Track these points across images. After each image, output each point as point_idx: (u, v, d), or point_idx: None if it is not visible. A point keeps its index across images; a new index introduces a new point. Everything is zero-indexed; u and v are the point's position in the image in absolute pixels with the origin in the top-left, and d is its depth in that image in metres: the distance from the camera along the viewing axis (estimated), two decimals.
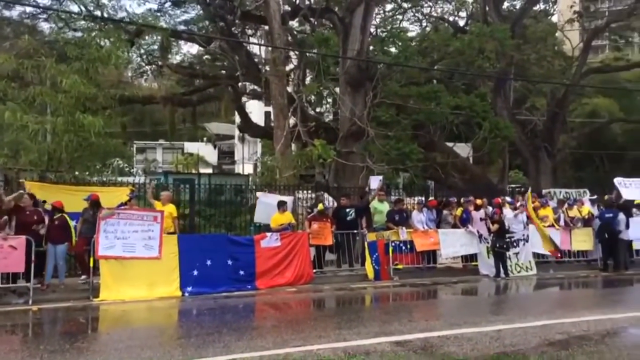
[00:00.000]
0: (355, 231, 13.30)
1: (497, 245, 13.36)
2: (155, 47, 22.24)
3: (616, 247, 14.61)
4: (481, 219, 13.89)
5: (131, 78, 26.35)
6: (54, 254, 10.65)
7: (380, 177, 15.23)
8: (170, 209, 11.91)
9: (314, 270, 12.37)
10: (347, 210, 13.52)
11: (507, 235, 13.68)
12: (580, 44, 26.57)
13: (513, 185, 29.82)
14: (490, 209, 14.44)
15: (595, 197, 16.88)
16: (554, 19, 33.61)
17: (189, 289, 10.69)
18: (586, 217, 15.41)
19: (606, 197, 15.98)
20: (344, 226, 13.25)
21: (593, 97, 33.71)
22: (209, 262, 11.03)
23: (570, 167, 35.93)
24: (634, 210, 16.10)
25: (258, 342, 7.10)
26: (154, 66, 23.75)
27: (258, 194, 13.98)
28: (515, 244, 13.84)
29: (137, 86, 28.12)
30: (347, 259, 13.23)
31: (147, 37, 21.17)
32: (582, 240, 15.16)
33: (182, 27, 22.60)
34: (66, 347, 6.85)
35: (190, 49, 47.37)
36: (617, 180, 16.80)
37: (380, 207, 13.89)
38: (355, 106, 18.09)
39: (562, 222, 15.05)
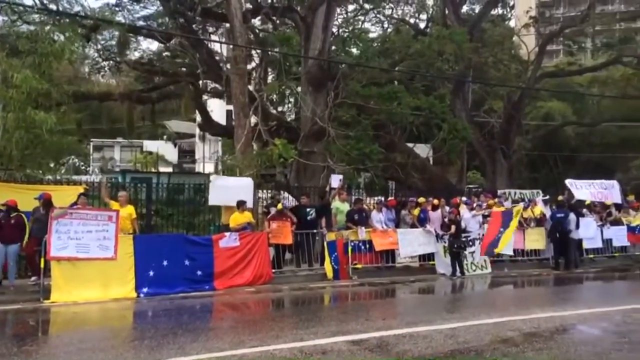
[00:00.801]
0: (315, 231, 13.32)
1: (455, 245, 13.61)
2: (113, 42, 21.77)
3: (567, 246, 15.08)
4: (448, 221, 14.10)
5: (88, 74, 25.70)
6: (4, 254, 10.33)
7: (341, 177, 15.30)
8: (130, 210, 11.71)
9: (273, 270, 12.33)
10: (308, 209, 13.51)
11: (464, 235, 13.96)
12: (535, 49, 27.32)
13: (471, 186, 30.46)
14: (447, 208, 14.72)
15: (547, 197, 17.38)
16: (511, 23, 34.50)
17: (145, 290, 10.50)
18: (539, 217, 15.84)
19: (559, 197, 16.46)
20: (305, 226, 13.23)
21: (547, 100, 34.71)
22: (165, 263, 10.85)
23: (526, 168, 36.89)
24: (585, 210, 16.68)
25: (214, 343, 7.03)
26: (111, 62, 23.21)
27: (212, 177, 13.82)
28: (471, 244, 14.15)
29: (94, 82, 27.46)
30: (307, 259, 13.22)
31: (104, 33, 20.69)
32: (535, 240, 15.57)
33: (141, 23, 22.19)
34: (14, 351, 6.64)
35: (150, 45, 46.53)
36: (569, 182, 17.38)
37: (342, 207, 13.96)
38: (317, 106, 18.12)
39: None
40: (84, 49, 17.55)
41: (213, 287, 11.16)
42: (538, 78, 26.36)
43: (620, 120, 33.04)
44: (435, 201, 14.94)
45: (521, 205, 15.30)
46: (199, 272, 11.20)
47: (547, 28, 28.26)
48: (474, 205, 15.43)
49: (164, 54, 24.25)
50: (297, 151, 16.88)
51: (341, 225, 13.64)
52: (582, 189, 16.97)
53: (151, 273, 10.69)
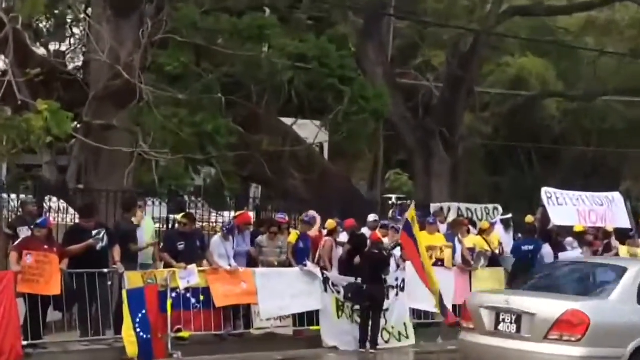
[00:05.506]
0: (107, 270, 13.01)
1: (373, 296, 13.81)
2: None
3: None
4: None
5: None
6: None
7: None
8: None
9: (25, 343, 11.87)
10: (93, 232, 13.15)
11: None
12: None
13: (391, 195, 31.29)
14: (344, 234, 15.03)
15: (509, 216, 18.17)
16: None
17: None
18: (495, 250, 16.50)
19: (527, 218, 17.29)
20: (89, 260, 12.89)
21: (517, 54, 36.31)
22: None
23: (481, 166, 38.57)
24: (570, 240, 17.44)
25: None
26: None
27: None
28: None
29: None
30: (90, 321, 12.89)
31: None
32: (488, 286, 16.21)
33: None
34: None
35: None
36: (546, 193, 18.10)
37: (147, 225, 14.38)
38: (121, 44, 17.75)
39: (457, 257, 15.97)
40: None
41: None
42: (501, 16, 27.58)
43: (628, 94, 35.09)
44: (330, 222, 15.26)
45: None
46: None
47: None
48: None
49: None
50: (82, 124, 16.41)
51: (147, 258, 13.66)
52: (565, 206, 17.83)
53: None
